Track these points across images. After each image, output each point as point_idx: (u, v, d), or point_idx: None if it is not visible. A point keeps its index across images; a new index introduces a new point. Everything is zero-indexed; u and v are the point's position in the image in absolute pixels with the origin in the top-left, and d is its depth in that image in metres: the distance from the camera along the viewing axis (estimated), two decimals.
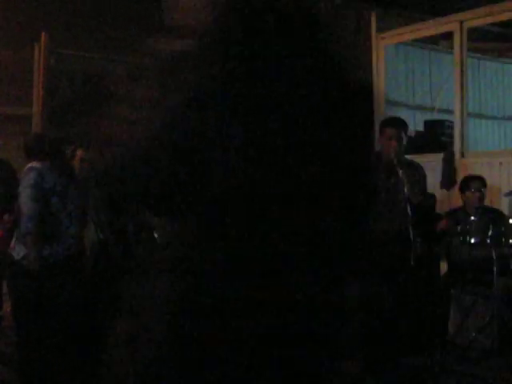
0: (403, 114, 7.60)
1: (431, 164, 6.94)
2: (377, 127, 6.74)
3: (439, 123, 7.65)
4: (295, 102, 1.55)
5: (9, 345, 5.74)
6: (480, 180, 5.80)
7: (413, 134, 7.46)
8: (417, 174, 4.99)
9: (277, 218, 1.54)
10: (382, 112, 7.55)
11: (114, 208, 4.85)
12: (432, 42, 8.57)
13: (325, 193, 1.59)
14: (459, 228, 5.29)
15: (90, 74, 6.79)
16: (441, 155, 6.99)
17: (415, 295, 5.03)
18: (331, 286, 1.68)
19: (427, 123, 7.81)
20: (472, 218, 5.35)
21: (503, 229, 5.11)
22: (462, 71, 6.93)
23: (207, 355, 1.56)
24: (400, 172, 4.74)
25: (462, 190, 5.83)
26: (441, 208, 6.51)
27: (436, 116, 8.17)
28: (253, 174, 1.51)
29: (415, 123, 8.06)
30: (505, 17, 6.75)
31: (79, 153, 5.39)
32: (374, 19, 7.72)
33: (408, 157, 5.18)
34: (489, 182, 5.92)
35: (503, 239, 5.09)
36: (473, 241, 5.20)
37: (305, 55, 1.61)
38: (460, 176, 6.61)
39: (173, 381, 1.61)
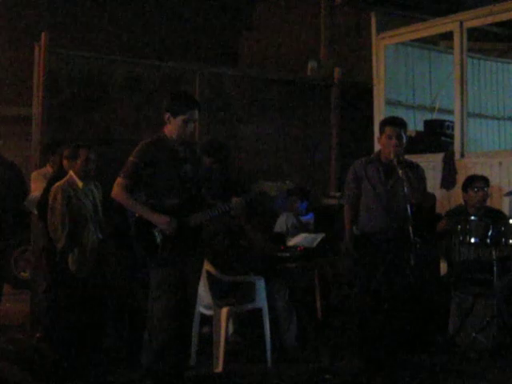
0: (403, 114, 7.60)
1: (431, 164, 6.94)
2: (377, 127, 6.77)
3: (439, 123, 7.65)
4: None
5: (10, 342, 5.76)
6: (483, 179, 5.79)
7: (413, 134, 7.47)
8: (416, 174, 5.00)
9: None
10: (381, 112, 7.56)
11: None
12: (432, 42, 8.57)
13: None
14: (459, 228, 5.28)
15: (89, 74, 6.78)
16: (441, 155, 6.99)
17: (415, 295, 5.03)
18: None
19: (427, 123, 7.81)
20: (472, 217, 5.35)
21: (503, 229, 5.11)
22: (461, 71, 6.93)
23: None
24: (400, 172, 4.75)
25: (465, 189, 5.81)
26: (441, 208, 6.52)
27: (436, 116, 8.17)
28: None
29: (415, 123, 8.06)
30: (505, 17, 6.75)
31: (82, 152, 5.38)
32: (374, 19, 7.72)
33: (408, 157, 5.19)
34: (489, 181, 5.92)
35: (503, 239, 5.10)
36: (473, 241, 5.20)
37: None
38: (460, 176, 6.61)
39: None
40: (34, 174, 6.16)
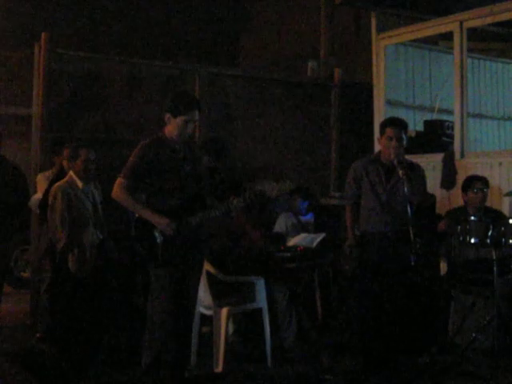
0: (403, 114, 7.60)
1: (431, 164, 6.95)
2: (377, 127, 6.76)
3: (439, 123, 7.65)
4: None
5: (10, 342, 5.77)
6: (483, 180, 5.80)
7: (413, 134, 7.46)
8: (417, 174, 5.01)
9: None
10: (381, 112, 7.56)
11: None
12: (432, 42, 8.57)
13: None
14: (459, 228, 5.28)
15: (90, 74, 6.78)
16: (441, 155, 6.99)
17: (415, 295, 5.03)
18: None
19: (427, 123, 7.81)
20: (472, 218, 5.35)
21: (503, 229, 5.11)
22: (461, 71, 6.93)
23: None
24: (400, 172, 4.75)
25: (465, 189, 5.82)
26: (441, 208, 6.52)
27: (436, 116, 8.17)
28: None
29: (415, 123, 8.07)
30: (505, 17, 6.74)
31: (82, 152, 5.38)
32: (374, 19, 7.71)
33: (408, 157, 5.19)
34: (489, 182, 5.92)
35: (503, 239, 5.09)
36: (473, 241, 5.19)
37: None
38: (460, 176, 6.61)
39: None
40: (39, 177, 6.16)
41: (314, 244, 5.86)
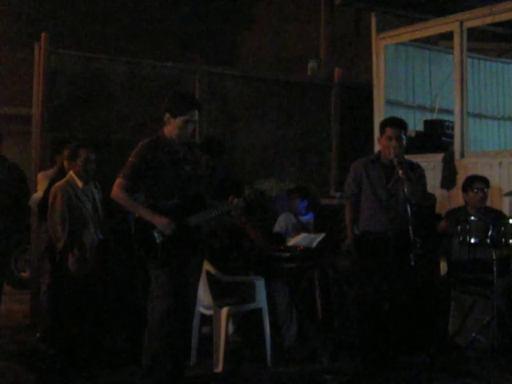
0: (403, 114, 7.60)
1: (431, 164, 6.95)
2: (377, 127, 6.77)
3: (439, 123, 7.65)
4: None
5: (10, 342, 5.76)
6: (483, 180, 5.80)
7: (413, 134, 7.46)
8: (417, 174, 5.01)
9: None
10: (381, 112, 7.56)
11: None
12: (432, 42, 8.57)
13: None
14: (459, 228, 5.28)
15: (89, 74, 6.78)
16: (441, 155, 6.99)
17: (415, 295, 5.03)
18: None
19: (427, 123, 7.81)
20: (472, 217, 5.35)
21: (503, 229, 5.11)
22: (462, 71, 6.93)
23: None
24: (400, 172, 4.75)
25: (465, 189, 5.82)
26: (441, 208, 6.52)
27: (436, 116, 8.17)
28: None
29: (415, 123, 8.07)
30: (505, 17, 6.74)
31: (82, 152, 5.37)
32: (374, 19, 7.72)
33: (408, 157, 5.19)
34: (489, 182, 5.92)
35: (503, 239, 5.09)
36: (473, 241, 5.20)
37: None
38: (460, 176, 6.61)
39: None
40: (39, 175, 6.16)
41: (314, 244, 5.86)
